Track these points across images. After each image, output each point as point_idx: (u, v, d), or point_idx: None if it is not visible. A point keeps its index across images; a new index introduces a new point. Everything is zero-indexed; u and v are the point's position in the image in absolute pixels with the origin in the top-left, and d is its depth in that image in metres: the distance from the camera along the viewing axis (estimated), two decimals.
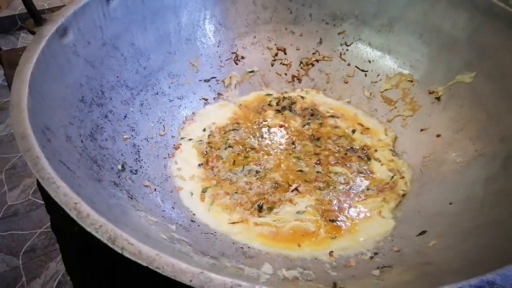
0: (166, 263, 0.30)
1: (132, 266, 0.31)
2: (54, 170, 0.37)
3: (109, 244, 0.31)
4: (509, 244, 0.37)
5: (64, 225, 0.35)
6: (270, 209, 0.59)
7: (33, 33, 0.54)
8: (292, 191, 0.61)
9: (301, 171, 0.63)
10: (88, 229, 0.32)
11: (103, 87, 0.60)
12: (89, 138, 0.53)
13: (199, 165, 0.64)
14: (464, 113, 0.62)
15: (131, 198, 0.51)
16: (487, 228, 0.44)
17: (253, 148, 0.68)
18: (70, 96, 0.53)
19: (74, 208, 0.33)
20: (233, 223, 0.56)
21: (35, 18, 0.54)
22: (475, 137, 0.59)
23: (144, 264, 0.30)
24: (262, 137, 0.69)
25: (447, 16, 0.66)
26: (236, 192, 0.61)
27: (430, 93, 0.68)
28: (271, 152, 0.67)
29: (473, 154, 0.57)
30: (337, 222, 0.57)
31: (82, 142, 0.51)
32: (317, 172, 0.63)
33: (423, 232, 0.51)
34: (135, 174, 0.57)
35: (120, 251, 0.31)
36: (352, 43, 0.78)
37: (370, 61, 0.77)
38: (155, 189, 0.57)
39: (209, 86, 0.77)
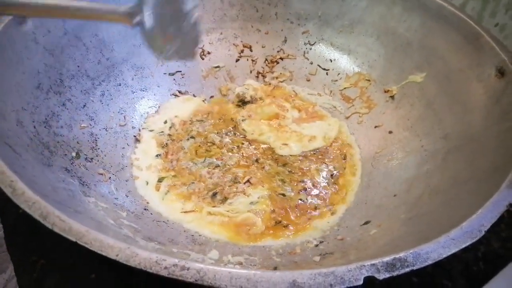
0: (95, 238, 0.31)
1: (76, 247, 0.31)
2: None
3: (41, 220, 0.32)
4: (429, 232, 0.40)
5: (9, 206, 0.36)
6: (225, 199, 0.60)
7: None
8: (245, 183, 0.63)
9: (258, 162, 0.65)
10: (22, 206, 0.33)
11: (62, 75, 0.61)
12: (43, 125, 0.54)
13: (157, 155, 0.65)
14: (414, 111, 0.65)
15: (83, 185, 0.52)
16: (418, 219, 0.46)
17: (213, 144, 0.69)
18: (25, 82, 0.54)
19: (9, 186, 0.34)
20: (186, 212, 0.57)
21: None
22: (422, 134, 0.62)
23: (73, 239, 0.31)
24: (226, 134, 0.71)
25: (402, 19, 0.69)
26: (193, 182, 0.62)
27: (385, 91, 0.71)
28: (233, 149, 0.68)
29: (419, 150, 0.60)
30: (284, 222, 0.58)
31: (34, 127, 0.51)
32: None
33: (367, 222, 0.54)
34: (90, 162, 0.58)
35: (50, 227, 0.32)
36: (315, 42, 0.81)
37: (331, 60, 0.79)
38: (110, 177, 0.58)
39: (174, 79, 0.78)
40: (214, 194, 0.60)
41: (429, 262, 0.32)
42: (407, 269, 0.31)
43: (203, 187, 0.61)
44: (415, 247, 0.33)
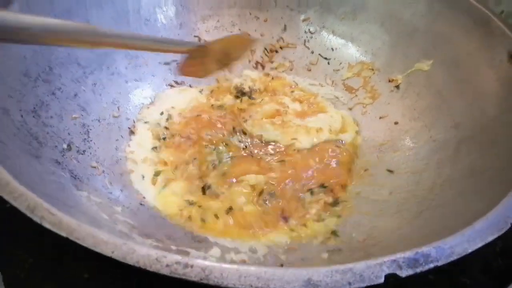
0: (87, 233, 0.28)
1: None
2: None
3: (28, 214, 0.29)
4: (446, 225, 0.37)
5: None
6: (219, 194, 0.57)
7: None
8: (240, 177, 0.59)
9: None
10: (6, 198, 0.30)
11: (51, 62, 0.57)
12: (31, 114, 0.50)
13: (153, 148, 0.62)
14: (421, 100, 0.63)
15: (74, 178, 0.48)
16: (432, 212, 0.44)
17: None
18: (11, 69, 0.50)
19: None
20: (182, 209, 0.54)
21: None
22: (430, 124, 0.59)
23: (64, 234, 0.28)
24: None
25: (408, 4, 0.66)
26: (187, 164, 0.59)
27: (389, 81, 0.68)
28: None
29: (427, 140, 0.58)
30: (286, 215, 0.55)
31: (22, 117, 0.48)
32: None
33: (375, 216, 0.51)
34: (82, 154, 0.54)
35: (39, 221, 0.29)
36: (316, 30, 0.78)
37: (333, 49, 0.76)
38: (103, 171, 0.54)
39: (170, 69, 0.74)
40: (208, 186, 0.57)
41: (454, 257, 0.29)
42: (431, 265, 0.28)
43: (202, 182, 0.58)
44: (437, 240, 0.30)
